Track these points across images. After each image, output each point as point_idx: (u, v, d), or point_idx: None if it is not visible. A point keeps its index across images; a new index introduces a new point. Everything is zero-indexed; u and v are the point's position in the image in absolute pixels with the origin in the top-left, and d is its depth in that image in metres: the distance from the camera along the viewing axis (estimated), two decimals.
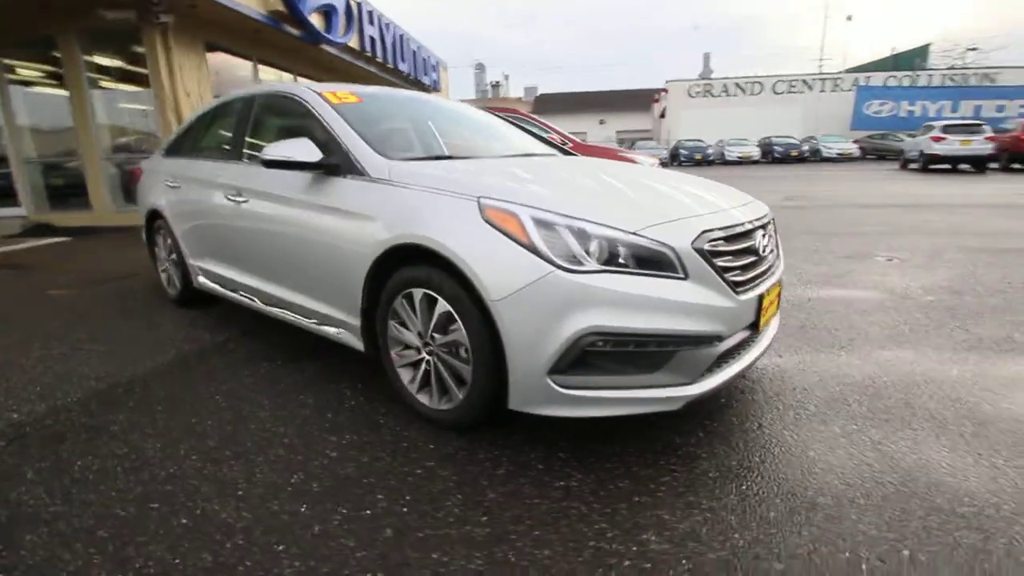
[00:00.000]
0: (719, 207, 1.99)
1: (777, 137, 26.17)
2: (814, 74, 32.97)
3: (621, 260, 1.67)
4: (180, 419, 2.21)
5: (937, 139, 16.08)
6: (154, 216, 3.83)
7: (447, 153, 2.66)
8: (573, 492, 1.66)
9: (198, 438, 2.05)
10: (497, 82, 44.41)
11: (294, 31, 8.48)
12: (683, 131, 31.02)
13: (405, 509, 1.60)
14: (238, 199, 2.82)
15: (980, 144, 15.58)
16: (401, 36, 12.88)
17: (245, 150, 2.97)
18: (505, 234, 1.72)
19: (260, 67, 9.20)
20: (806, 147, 25.24)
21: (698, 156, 26.12)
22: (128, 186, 8.07)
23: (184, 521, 1.58)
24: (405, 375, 2.15)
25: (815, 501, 1.58)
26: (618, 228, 1.68)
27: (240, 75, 8.91)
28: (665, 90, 33.81)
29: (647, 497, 1.62)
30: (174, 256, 3.66)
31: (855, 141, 25.33)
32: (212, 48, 8.00)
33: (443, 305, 1.89)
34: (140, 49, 7.04)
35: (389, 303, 2.09)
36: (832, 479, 1.69)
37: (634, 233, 1.68)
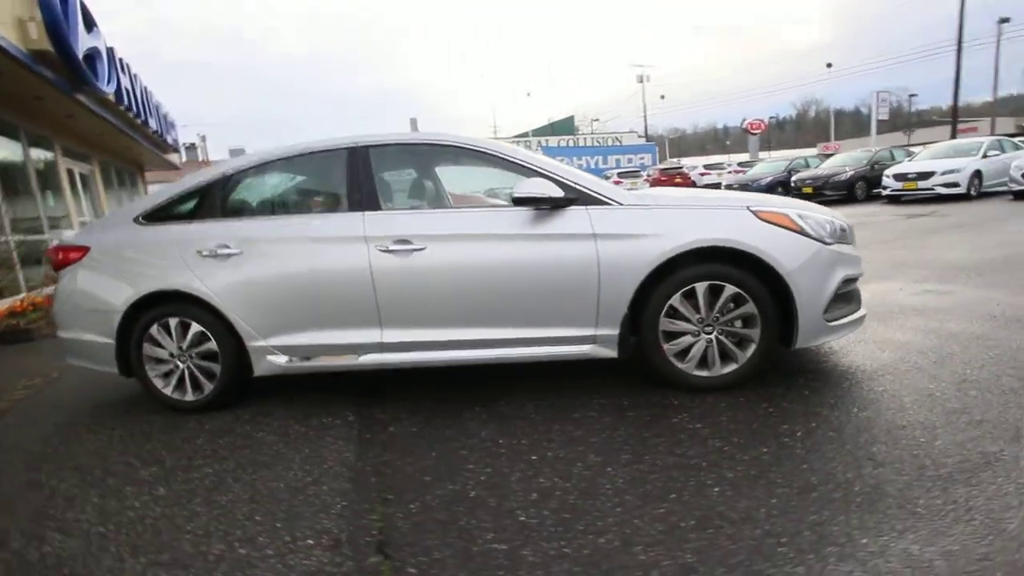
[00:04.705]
0: None
1: (500, 188, 31.10)
2: (515, 137, 40.45)
3: (838, 235, 2.65)
4: (555, 482, 2.07)
5: (617, 183, 22.15)
6: (148, 304, 2.90)
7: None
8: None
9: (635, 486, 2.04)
10: (192, 143, 38.80)
11: (49, 74, 6.56)
12: None
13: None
14: (405, 248, 2.65)
15: (642, 185, 22.14)
16: (146, 88, 10.86)
17: (386, 199, 2.78)
18: (782, 227, 2.50)
19: None
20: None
21: None
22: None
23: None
24: (677, 361, 2.61)
25: (929, 346, 2.85)
26: (832, 218, 2.67)
27: None
28: None
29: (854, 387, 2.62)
30: (207, 346, 2.87)
31: None
32: None
33: (730, 289, 2.51)
34: None
35: (664, 303, 2.55)
36: (921, 339, 3.00)
37: (834, 219, 2.70)
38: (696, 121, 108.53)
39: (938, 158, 12.56)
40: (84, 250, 3.04)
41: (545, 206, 2.58)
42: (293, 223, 2.86)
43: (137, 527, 1.94)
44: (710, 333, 2.58)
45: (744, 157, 38.26)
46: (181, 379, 2.96)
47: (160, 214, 3.01)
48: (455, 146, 2.85)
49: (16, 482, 2.37)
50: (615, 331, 2.61)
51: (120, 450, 2.61)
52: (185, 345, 2.91)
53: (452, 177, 3.60)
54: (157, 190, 3.07)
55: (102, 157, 11.51)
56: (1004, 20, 26.30)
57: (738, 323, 2.57)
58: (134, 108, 9.55)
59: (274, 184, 3.13)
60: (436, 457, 2.26)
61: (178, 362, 2.94)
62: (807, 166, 16.97)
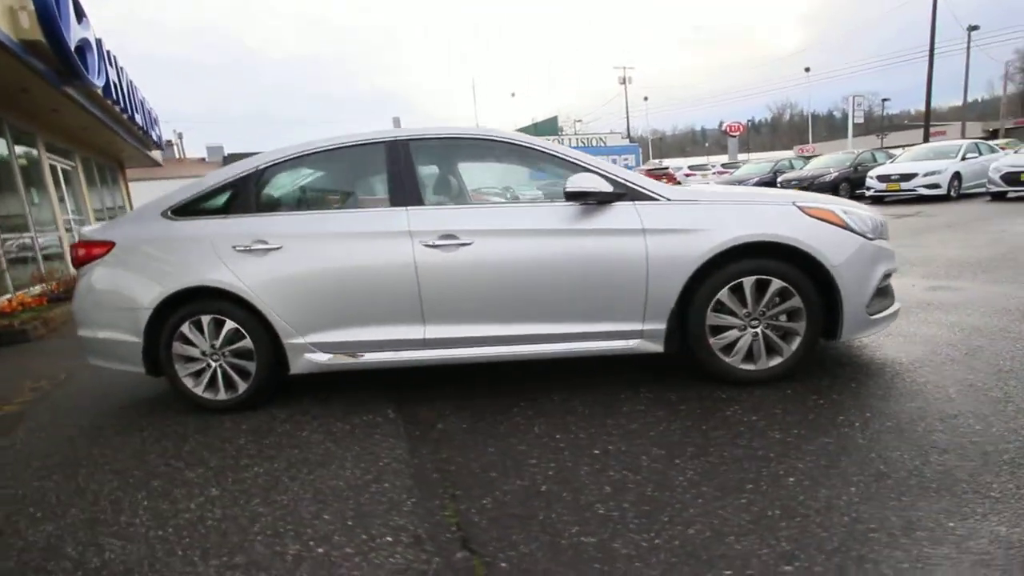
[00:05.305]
0: None
1: (486, 188, 31.14)
2: None
3: (878, 231, 2.70)
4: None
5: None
6: (178, 301, 2.81)
7: None
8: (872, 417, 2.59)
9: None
10: (168, 141, 37.61)
11: (40, 65, 6.32)
12: None
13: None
14: (451, 243, 2.62)
15: None
16: (131, 82, 10.53)
17: (428, 194, 2.74)
18: (828, 223, 2.55)
19: None
20: (507, 195, 30.81)
21: None
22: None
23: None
24: (723, 355, 2.63)
25: (957, 339, 2.93)
26: (872, 213, 2.73)
27: None
28: None
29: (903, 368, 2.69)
30: (242, 344, 2.80)
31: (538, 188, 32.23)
32: None
33: (776, 283, 2.54)
34: None
35: (711, 297, 2.57)
36: (947, 333, 3.08)
37: (874, 215, 2.75)
38: (675, 123, 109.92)
39: (919, 160, 12.97)
40: (109, 245, 2.93)
41: (593, 200, 2.59)
42: (334, 218, 2.80)
43: (199, 529, 1.88)
44: (756, 327, 2.61)
45: (724, 159, 38.85)
46: (213, 378, 2.88)
47: (190, 208, 2.92)
48: (500, 141, 2.83)
49: (54, 487, 2.27)
50: (662, 325, 2.63)
51: (158, 452, 2.52)
52: (218, 343, 2.83)
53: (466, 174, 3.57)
54: (186, 184, 2.97)
55: (84, 153, 11.14)
56: (973, 28, 27.32)
57: (783, 317, 2.61)
58: (121, 103, 9.26)
59: (311, 178, 3.07)
60: (496, 453, 2.24)
61: (210, 360, 2.86)
62: (791, 167, 17.37)
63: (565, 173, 2.74)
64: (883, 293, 2.71)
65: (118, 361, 2.99)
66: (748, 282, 2.56)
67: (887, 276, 2.69)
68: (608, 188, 2.56)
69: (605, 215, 2.61)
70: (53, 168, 9.12)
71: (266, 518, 1.91)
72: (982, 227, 7.37)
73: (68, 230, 9.13)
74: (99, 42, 8.08)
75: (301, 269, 2.74)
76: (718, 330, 2.62)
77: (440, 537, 1.73)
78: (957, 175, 12.06)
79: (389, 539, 1.73)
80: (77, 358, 4.37)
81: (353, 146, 2.89)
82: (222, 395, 2.89)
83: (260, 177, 2.92)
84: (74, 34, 6.47)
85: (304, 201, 3.08)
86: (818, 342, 2.64)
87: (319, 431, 2.60)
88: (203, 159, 38.33)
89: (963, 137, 24.95)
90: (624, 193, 2.62)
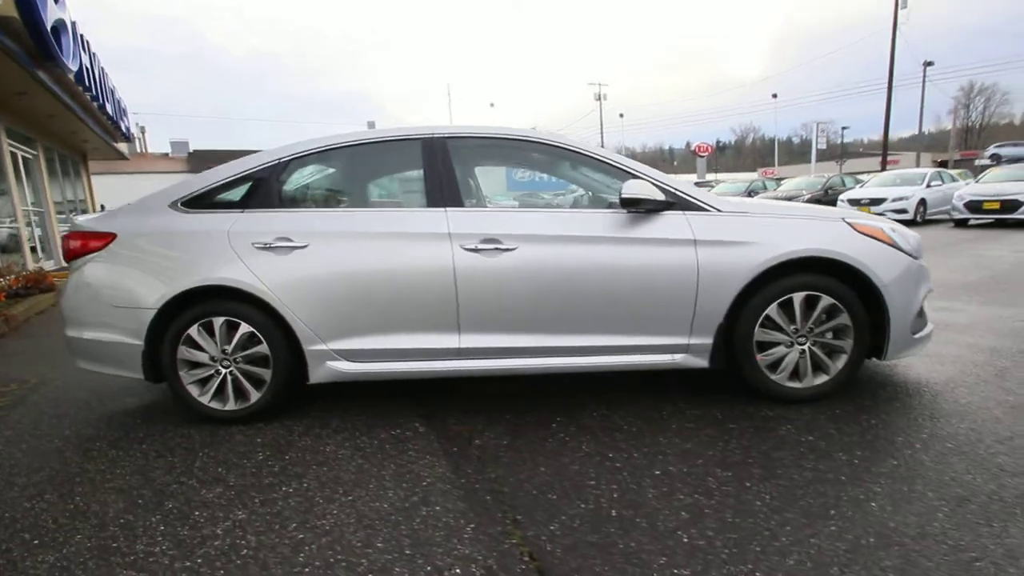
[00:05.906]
0: None
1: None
2: None
3: (920, 250, 2.71)
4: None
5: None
6: (185, 301, 2.57)
7: None
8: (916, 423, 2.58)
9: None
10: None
11: (11, 45, 5.87)
12: None
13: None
14: (493, 247, 2.48)
15: None
16: (103, 69, 9.98)
17: (469, 195, 2.60)
18: (877, 240, 2.53)
19: None
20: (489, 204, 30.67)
21: None
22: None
23: None
24: (769, 372, 2.57)
25: (981, 360, 2.97)
26: (913, 232, 2.74)
27: None
28: None
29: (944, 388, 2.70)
30: (257, 349, 2.58)
31: (515, 199, 32.23)
32: None
33: (826, 300, 2.50)
34: None
35: (760, 312, 2.51)
36: (969, 353, 3.12)
37: (915, 234, 2.76)
38: (644, 142, 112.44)
39: (886, 186, 13.58)
40: (108, 237, 2.66)
41: (643, 208, 2.50)
42: (366, 216, 2.62)
43: (233, 559, 1.66)
44: (803, 344, 2.57)
45: (693, 177, 39.84)
46: (222, 386, 2.64)
47: (204, 200, 2.69)
48: (546, 144, 2.72)
49: (48, 509, 1.99)
50: (709, 340, 2.55)
51: (164, 467, 2.27)
52: (230, 348, 2.60)
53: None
54: (198, 175, 2.74)
55: (47, 142, 10.45)
56: (928, 63, 29.02)
57: (829, 334, 2.57)
58: (93, 90, 8.74)
59: (341, 174, 2.87)
60: (548, 473, 2.10)
61: (219, 367, 2.62)
62: (765, 188, 17.92)
63: (612, 180, 2.67)
64: (921, 313, 2.72)
65: (113, 365, 2.71)
66: (798, 298, 2.51)
67: (925, 296, 2.70)
68: (660, 196, 2.48)
69: (655, 224, 2.53)
70: (14, 156, 8.50)
71: (310, 547, 1.71)
72: (957, 251, 7.69)
73: (28, 224, 8.51)
74: (74, 25, 7.62)
75: (328, 270, 2.54)
76: (764, 346, 2.56)
77: (514, 568, 1.57)
78: (923, 201, 12.67)
79: (458, 571, 1.57)
80: (48, 360, 4.01)
81: (387, 141, 2.73)
82: (231, 405, 2.65)
83: (284, 170, 2.71)
84: (50, 13, 6.05)
85: (332, 198, 2.89)
86: (863, 361, 2.62)
87: (345, 446, 2.39)
88: (167, 154, 36.78)
89: (918, 166, 26.39)
90: (674, 202, 2.55)
